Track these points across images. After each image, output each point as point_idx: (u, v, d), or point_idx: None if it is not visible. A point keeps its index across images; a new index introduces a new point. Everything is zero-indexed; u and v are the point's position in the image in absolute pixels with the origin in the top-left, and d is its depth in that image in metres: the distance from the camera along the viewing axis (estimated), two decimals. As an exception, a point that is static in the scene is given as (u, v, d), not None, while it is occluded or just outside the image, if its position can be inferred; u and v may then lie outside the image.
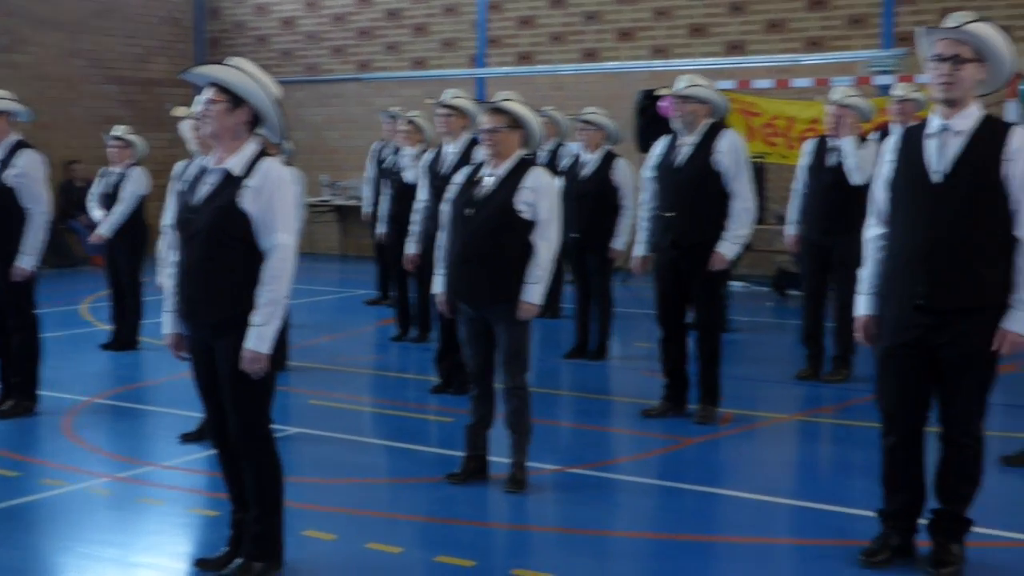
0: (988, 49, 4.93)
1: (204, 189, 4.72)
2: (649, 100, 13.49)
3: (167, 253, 5.11)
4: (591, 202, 9.91)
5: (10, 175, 7.54)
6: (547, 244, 6.15)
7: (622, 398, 9.01)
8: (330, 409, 8.49)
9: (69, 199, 17.23)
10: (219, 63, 4.76)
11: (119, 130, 10.51)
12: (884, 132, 10.57)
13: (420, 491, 6.48)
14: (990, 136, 4.97)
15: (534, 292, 6.13)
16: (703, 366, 7.87)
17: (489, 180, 6.17)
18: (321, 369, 9.91)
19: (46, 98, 17.30)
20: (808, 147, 9.33)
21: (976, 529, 5.27)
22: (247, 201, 4.61)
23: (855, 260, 9.04)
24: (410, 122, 10.72)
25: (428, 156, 8.97)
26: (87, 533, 5.74)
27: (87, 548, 5.51)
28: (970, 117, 4.99)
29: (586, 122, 10.16)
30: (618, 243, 9.93)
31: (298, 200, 9.11)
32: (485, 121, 6.22)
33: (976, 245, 4.96)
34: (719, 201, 7.60)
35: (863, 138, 8.96)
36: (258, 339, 4.60)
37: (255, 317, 4.60)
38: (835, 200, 8.87)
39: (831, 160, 8.96)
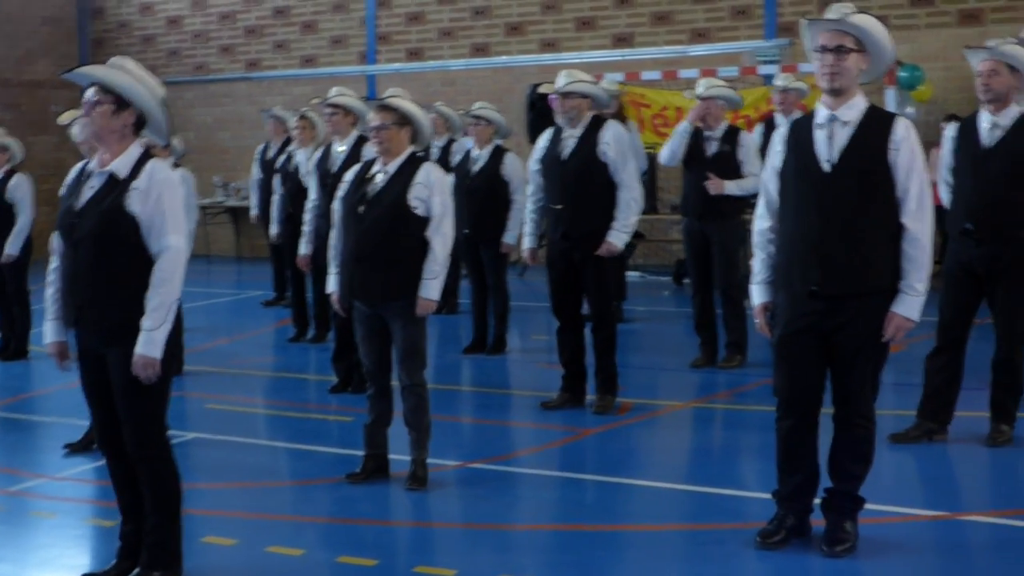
0: (869, 39, 5.03)
1: (88, 193, 4.60)
2: (539, 94, 13.55)
3: None
4: (482, 197, 9.93)
5: None
6: (442, 239, 6.12)
7: (521, 391, 9.02)
8: (228, 413, 8.37)
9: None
10: (103, 64, 4.65)
11: None
12: (769, 123, 10.76)
13: (321, 492, 6.42)
14: (876, 126, 5.09)
15: (431, 288, 6.10)
16: (599, 356, 7.91)
17: (380, 177, 6.13)
18: (218, 372, 9.77)
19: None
20: None
21: (868, 506, 5.37)
22: (134, 203, 4.50)
23: (733, 244, 9.27)
24: (303, 117, 10.60)
25: (317, 155, 8.88)
26: (-22, 549, 5.60)
27: (-22, 565, 5.37)
28: (856, 107, 5.10)
29: (477, 117, 10.16)
30: (510, 237, 9.94)
31: (190, 201, 9.01)
32: (373, 118, 6.18)
33: (865, 232, 5.06)
34: (607, 192, 7.66)
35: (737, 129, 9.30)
36: (149, 344, 4.48)
37: (145, 321, 4.48)
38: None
39: (709, 150, 9.14)
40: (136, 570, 4.78)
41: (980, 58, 6.63)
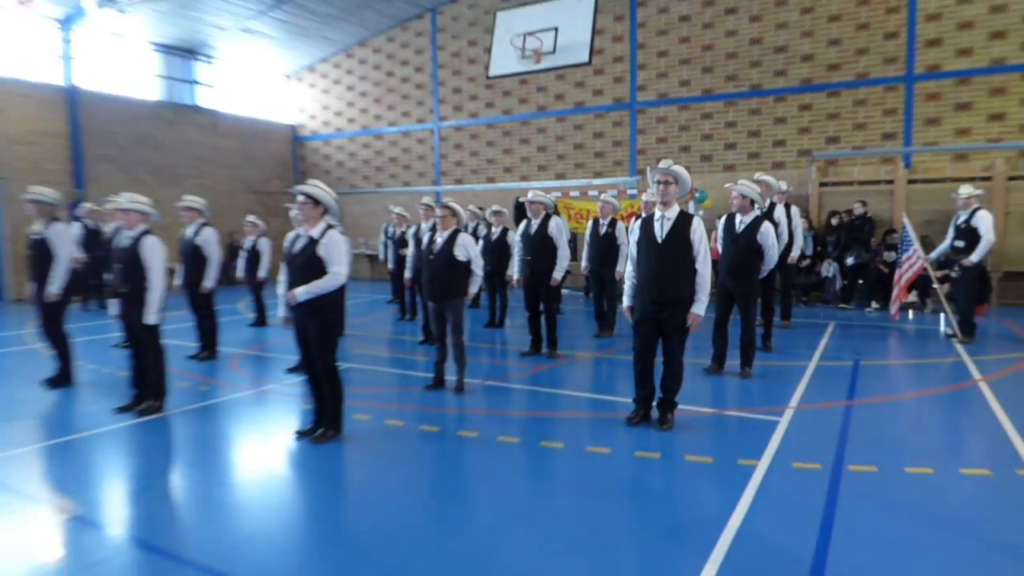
0: (680, 178, 5.26)
1: None
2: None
3: None
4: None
5: None
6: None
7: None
8: None
9: None
10: None
11: None
12: (638, 217, 10.84)
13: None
14: (683, 220, 5.29)
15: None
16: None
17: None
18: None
19: None
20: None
21: (681, 407, 5.55)
22: None
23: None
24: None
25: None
26: None
27: None
28: (674, 211, 5.29)
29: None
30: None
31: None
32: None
33: (678, 273, 5.26)
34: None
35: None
36: None
37: None
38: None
39: (601, 231, 8.47)
40: None
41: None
